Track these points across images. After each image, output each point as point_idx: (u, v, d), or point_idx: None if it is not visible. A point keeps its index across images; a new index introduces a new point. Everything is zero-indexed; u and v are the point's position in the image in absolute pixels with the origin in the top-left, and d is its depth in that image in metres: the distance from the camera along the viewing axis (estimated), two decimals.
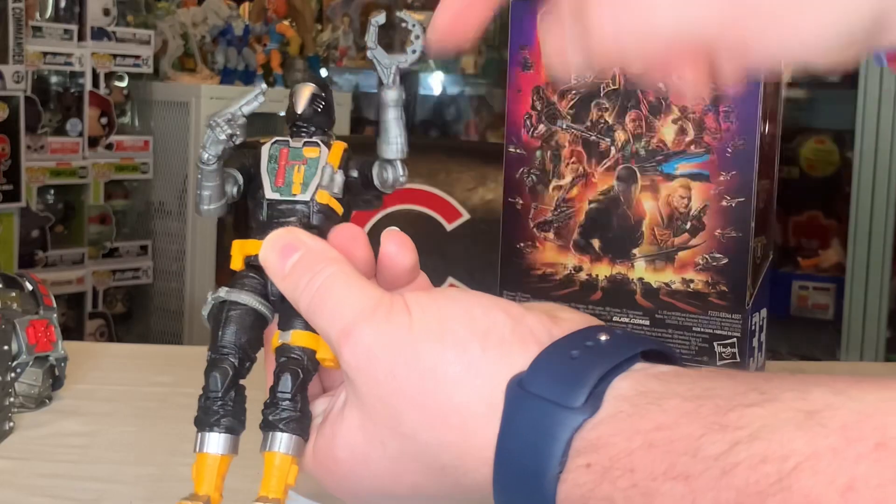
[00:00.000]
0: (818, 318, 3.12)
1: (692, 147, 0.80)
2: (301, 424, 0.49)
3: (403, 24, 0.50)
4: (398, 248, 0.52)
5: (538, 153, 0.85)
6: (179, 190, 3.29)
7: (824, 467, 0.36)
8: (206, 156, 0.50)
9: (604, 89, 0.83)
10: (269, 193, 0.52)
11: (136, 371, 1.08)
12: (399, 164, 0.52)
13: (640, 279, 0.82)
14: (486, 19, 0.51)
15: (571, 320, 0.48)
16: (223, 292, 0.51)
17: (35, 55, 2.96)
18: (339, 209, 0.53)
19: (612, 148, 0.82)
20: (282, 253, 0.49)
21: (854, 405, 0.38)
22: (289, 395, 0.49)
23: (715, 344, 0.80)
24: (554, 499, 0.42)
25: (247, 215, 0.54)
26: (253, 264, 0.51)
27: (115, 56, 3.16)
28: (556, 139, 0.84)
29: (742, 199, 0.79)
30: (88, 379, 1.03)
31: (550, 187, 0.85)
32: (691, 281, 0.81)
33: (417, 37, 0.50)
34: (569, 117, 0.84)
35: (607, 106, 0.83)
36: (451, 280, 1.30)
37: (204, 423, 0.49)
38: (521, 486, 0.43)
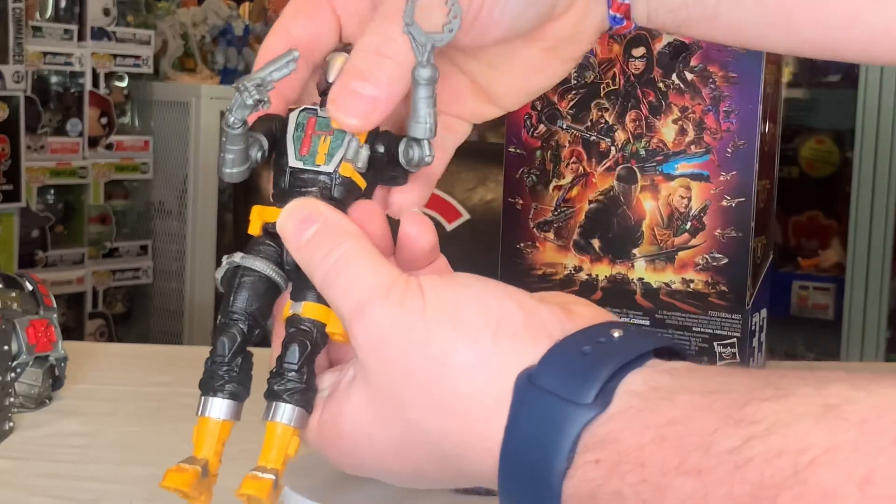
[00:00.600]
0: (818, 318, 3.12)
1: (692, 147, 0.80)
2: (305, 396, 0.48)
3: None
4: (419, 229, 0.52)
5: (538, 153, 0.85)
6: (179, 190, 3.29)
7: (842, 460, 0.36)
8: (231, 119, 0.49)
9: (604, 89, 0.83)
10: (293, 161, 0.51)
11: (136, 371, 1.08)
12: (426, 143, 0.51)
13: (641, 279, 0.82)
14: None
15: (585, 315, 0.47)
16: (238, 257, 0.50)
17: (35, 55, 2.96)
18: (362, 183, 0.52)
19: (612, 148, 0.82)
20: (300, 223, 0.49)
21: (874, 399, 0.37)
22: (295, 367, 0.48)
23: (715, 344, 0.80)
24: (560, 495, 0.42)
25: (259, 180, 0.53)
26: (270, 231, 0.51)
27: (115, 56, 3.16)
28: (556, 139, 0.84)
29: (742, 199, 0.79)
30: (88, 379, 1.03)
31: (550, 187, 0.85)
32: (691, 281, 0.81)
33: (455, 16, 0.49)
34: (569, 117, 0.84)
35: (607, 106, 0.83)
36: None
37: (208, 387, 0.49)
38: (527, 481, 0.43)
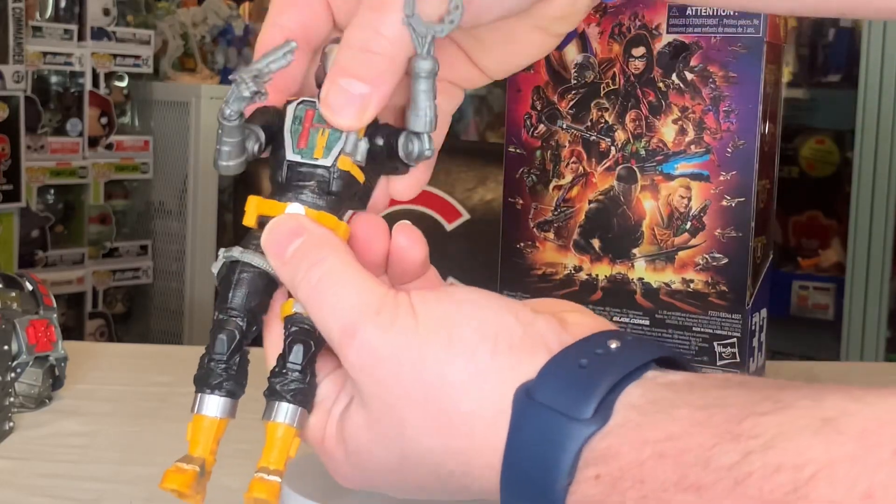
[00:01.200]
0: (818, 318, 3.11)
1: (692, 147, 0.80)
2: (307, 397, 0.48)
3: None
4: (409, 241, 0.51)
5: (538, 153, 0.85)
6: (179, 190, 3.29)
7: (842, 475, 0.35)
8: (227, 111, 0.48)
9: (604, 89, 0.83)
10: (291, 155, 0.50)
11: (136, 371, 1.08)
12: (426, 137, 0.50)
13: (640, 279, 0.82)
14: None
15: (581, 324, 0.47)
16: (237, 252, 0.50)
17: (35, 55, 2.96)
18: (361, 177, 0.51)
19: (612, 148, 0.82)
20: (284, 239, 0.48)
21: (871, 411, 0.37)
22: (299, 367, 0.48)
23: (715, 344, 0.80)
24: None
25: (259, 179, 0.52)
26: (265, 224, 0.50)
27: (115, 56, 3.16)
28: (556, 139, 0.84)
29: (742, 199, 0.79)
30: (88, 379, 1.03)
31: (550, 187, 0.85)
32: (691, 281, 0.81)
33: (457, 7, 0.48)
34: (569, 117, 0.84)
35: (607, 106, 0.83)
36: (451, 280, 1.30)
37: (205, 384, 0.48)
38: (528, 497, 0.42)
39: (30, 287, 0.98)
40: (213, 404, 0.48)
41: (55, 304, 0.99)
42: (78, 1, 3.10)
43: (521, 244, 0.86)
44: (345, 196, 0.51)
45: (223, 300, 0.49)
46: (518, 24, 0.54)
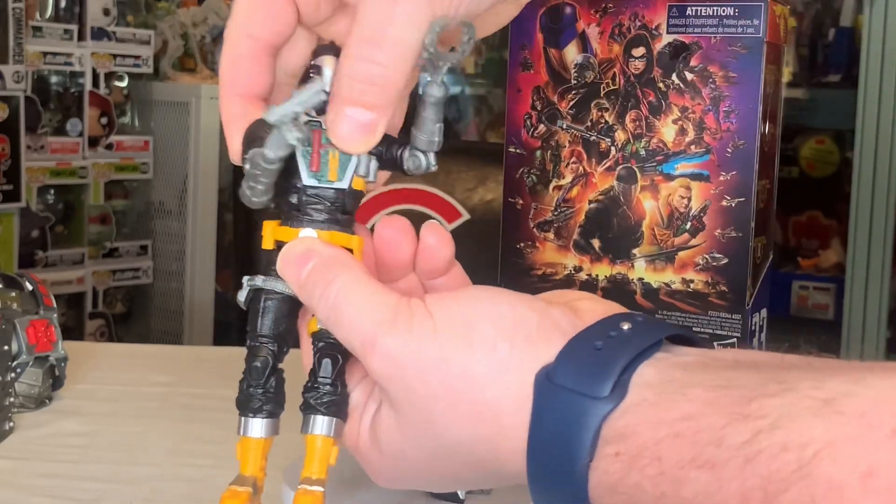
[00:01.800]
0: (818, 318, 3.12)
1: (692, 147, 0.80)
2: (340, 407, 0.50)
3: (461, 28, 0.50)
4: (438, 241, 0.53)
5: (538, 153, 0.85)
6: (179, 190, 3.29)
7: (844, 455, 0.37)
8: (272, 156, 0.50)
9: (604, 89, 0.83)
10: (307, 180, 0.52)
11: (136, 371, 1.08)
12: (431, 153, 0.52)
13: (641, 279, 0.82)
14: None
15: (594, 310, 0.49)
16: (260, 280, 0.52)
17: (35, 55, 2.96)
18: (366, 188, 0.53)
19: (612, 148, 0.82)
20: (297, 264, 0.50)
21: (870, 392, 0.39)
22: (329, 380, 0.50)
23: (715, 344, 0.80)
24: (586, 486, 0.43)
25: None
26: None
27: (115, 56, 3.16)
28: (556, 139, 0.84)
29: (742, 199, 0.79)
30: (88, 379, 1.04)
31: (550, 187, 0.85)
32: (691, 281, 0.81)
33: (470, 38, 0.50)
34: (569, 117, 0.84)
35: (607, 106, 0.83)
36: None
37: (247, 408, 0.51)
38: (553, 476, 0.44)
39: (30, 287, 0.98)
40: (258, 426, 0.51)
41: (55, 304, 0.99)
42: (78, 1, 3.10)
43: (521, 244, 0.86)
44: (355, 210, 0.53)
45: (253, 328, 0.52)
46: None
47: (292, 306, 0.52)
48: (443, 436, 0.47)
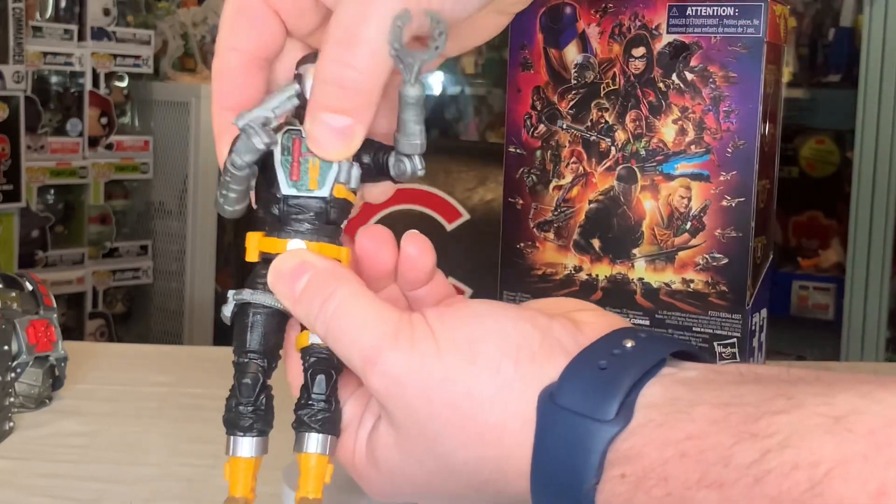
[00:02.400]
0: (818, 318, 3.11)
1: (692, 147, 0.80)
2: (335, 424, 0.49)
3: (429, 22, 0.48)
4: (419, 250, 0.52)
5: (538, 153, 0.85)
6: (179, 190, 3.29)
7: (855, 473, 0.37)
8: (239, 162, 0.49)
9: (604, 89, 0.83)
10: (286, 189, 0.50)
11: (136, 371, 1.08)
12: (417, 157, 0.51)
13: (641, 279, 0.82)
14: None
15: (595, 324, 0.48)
16: (247, 294, 0.50)
17: (35, 55, 2.96)
18: (353, 198, 0.51)
19: (612, 148, 0.82)
20: (290, 279, 0.49)
21: (880, 409, 0.38)
22: (324, 397, 0.49)
23: (715, 344, 0.80)
24: None
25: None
26: (269, 260, 0.50)
27: (115, 56, 3.16)
28: (556, 139, 0.84)
29: (742, 199, 0.79)
30: (88, 379, 1.04)
31: (550, 187, 0.85)
32: (691, 281, 0.81)
33: (441, 33, 0.48)
34: (569, 117, 0.84)
35: (607, 106, 0.83)
36: (451, 280, 1.30)
37: (236, 427, 0.50)
38: (558, 498, 0.44)
39: (30, 287, 0.98)
40: (247, 446, 0.50)
41: (55, 304, 0.99)
42: (78, 1, 3.10)
43: (522, 244, 0.86)
44: (342, 221, 0.51)
45: (241, 343, 0.50)
46: (482, 12, 0.54)
47: (281, 321, 0.51)
48: (447, 456, 0.46)
